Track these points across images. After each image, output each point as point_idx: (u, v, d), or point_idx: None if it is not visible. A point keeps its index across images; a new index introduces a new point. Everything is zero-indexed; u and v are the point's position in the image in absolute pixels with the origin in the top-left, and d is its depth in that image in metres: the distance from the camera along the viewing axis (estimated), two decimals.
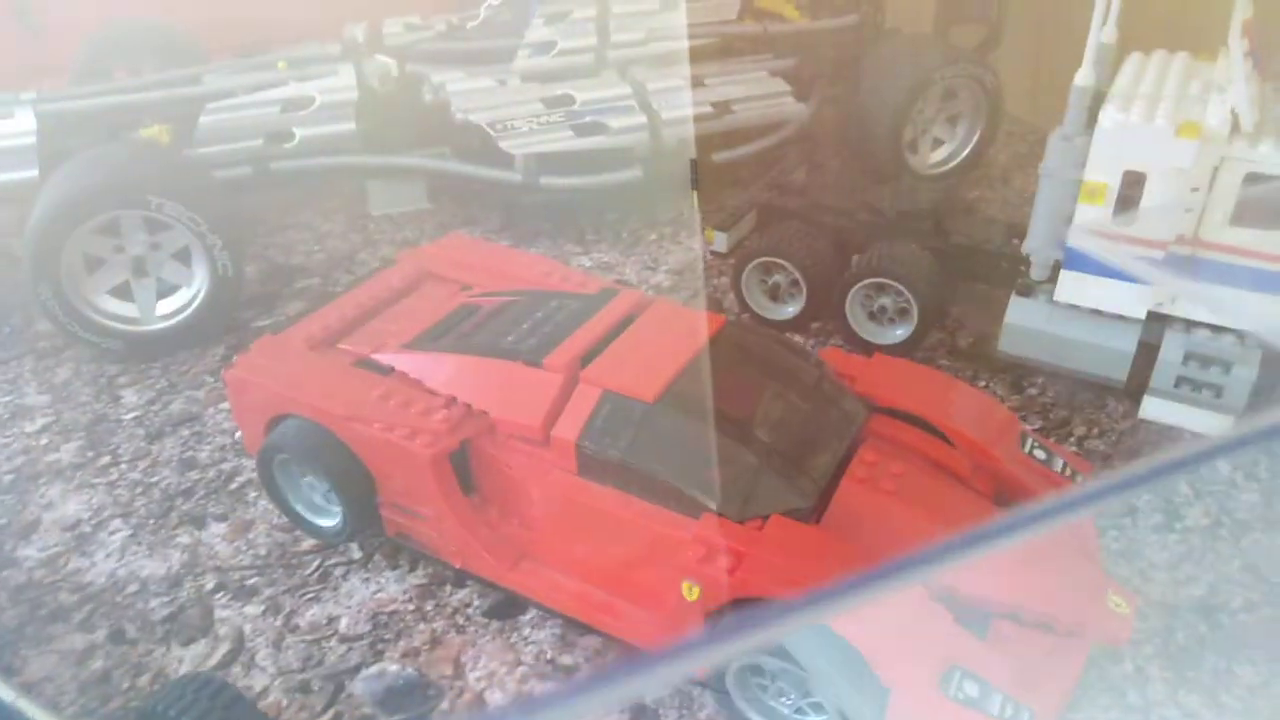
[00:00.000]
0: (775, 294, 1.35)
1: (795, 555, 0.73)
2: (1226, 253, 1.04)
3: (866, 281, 1.26)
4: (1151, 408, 1.16)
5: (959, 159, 1.77)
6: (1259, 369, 1.08)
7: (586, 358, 0.86)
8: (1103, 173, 1.05)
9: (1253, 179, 1.00)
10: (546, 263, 1.11)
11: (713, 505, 0.77)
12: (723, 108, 1.63)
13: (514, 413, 0.84)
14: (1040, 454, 0.92)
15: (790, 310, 1.35)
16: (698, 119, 1.60)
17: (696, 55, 1.69)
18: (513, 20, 1.74)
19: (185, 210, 1.22)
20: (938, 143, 1.77)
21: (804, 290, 1.32)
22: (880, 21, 2.00)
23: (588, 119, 1.54)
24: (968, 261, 1.29)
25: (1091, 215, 1.07)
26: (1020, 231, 1.24)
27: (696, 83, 1.64)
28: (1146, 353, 1.13)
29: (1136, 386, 1.16)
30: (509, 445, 0.85)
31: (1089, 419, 1.18)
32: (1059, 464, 0.92)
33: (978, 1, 1.83)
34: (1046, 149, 1.11)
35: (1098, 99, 1.10)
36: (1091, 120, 1.07)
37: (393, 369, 0.92)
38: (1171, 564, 0.99)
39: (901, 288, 1.25)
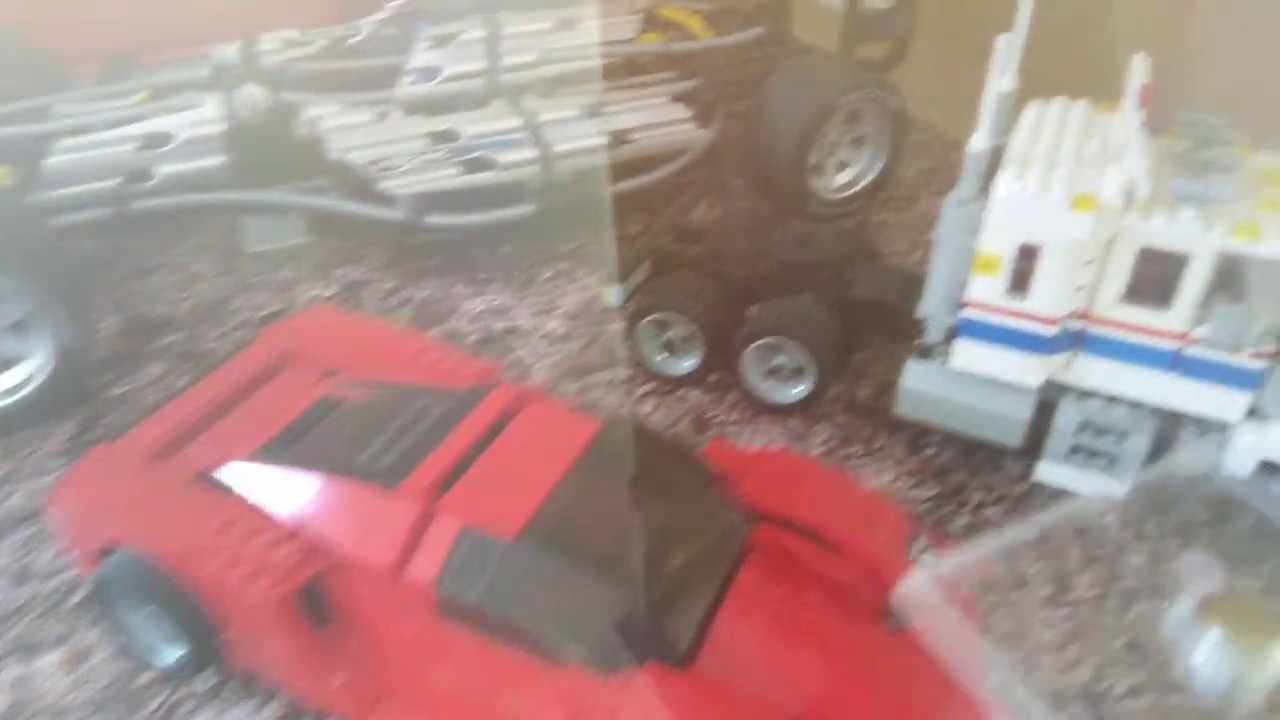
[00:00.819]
0: (672, 347, 1.30)
1: (668, 714, 0.68)
2: (1119, 328, 1.02)
3: (762, 341, 1.21)
4: (1046, 472, 1.14)
5: (864, 182, 1.73)
6: (1151, 438, 1.08)
7: (448, 480, 0.80)
8: (997, 243, 1.02)
9: (1147, 253, 0.98)
10: (419, 340, 1.03)
11: (579, 655, 0.71)
12: (620, 137, 1.56)
13: (366, 548, 0.77)
14: (931, 555, 0.89)
15: (688, 364, 1.30)
16: (594, 150, 1.53)
17: (594, 78, 1.61)
18: (398, 37, 1.64)
19: (22, 282, 1.11)
20: (842, 166, 1.73)
21: (701, 344, 1.27)
22: (787, 31, 1.94)
23: (475, 154, 1.45)
24: (868, 315, 1.25)
25: (985, 286, 1.04)
26: (922, 281, 1.20)
27: (593, 111, 1.56)
28: (1043, 412, 1.11)
29: (1032, 447, 1.14)
30: (362, 581, 0.78)
31: (985, 482, 1.16)
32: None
33: (885, 20, 1.78)
34: (942, 213, 1.08)
35: (995, 155, 1.06)
36: (987, 185, 1.03)
37: (238, 487, 0.84)
38: (1059, 644, 0.97)
39: (798, 346, 1.21)
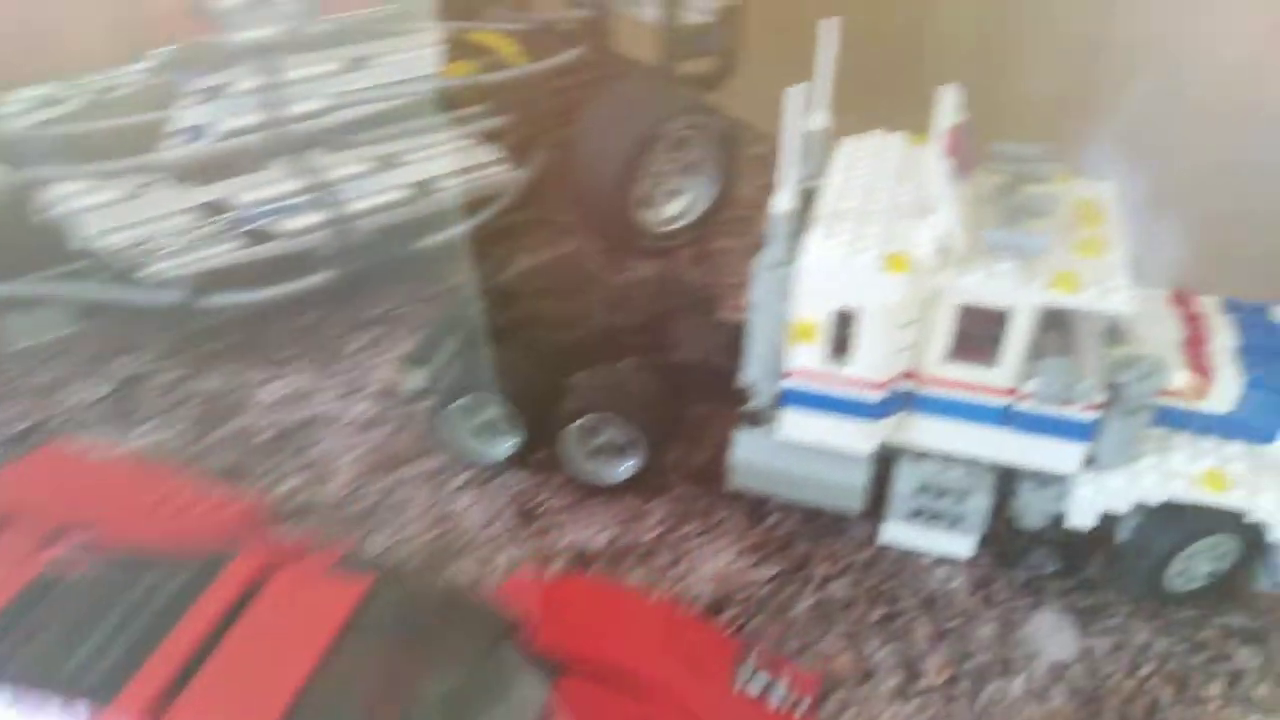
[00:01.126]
0: (490, 428, 1.18)
1: None
2: (948, 387, 0.95)
3: (582, 420, 1.11)
4: (891, 534, 1.08)
5: (699, 211, 1.64)
6: (991, 495, 1.02)
7: (175, 686, 0.66)
8: (811, 310, 0.93)
9: (967, 310, 0.91)
10: (165, 481, 0.89)
11: None
12: (423, 188, 1.42)
13: None
14: (760, 682, 0.80)
15: (507, 447, 1.18)
16: (394, 206, 1.39)
17: (391, 120, 1.46)
18: (166, 89, 1.45)
19: None
20: (674, 195, 1.63)
21: (520, 423, 1.16)
22: (609, 49, 1.83)
23: (255, 224, 1.30)
24: (694, 380, 1.16)
25: (805, 354, 0.96)
26: None
27: (391, 161, 1.41)
28: (884, 470, 1.04)
29: (876, 506, 1.08)
30: None
31: (830, 551, 1.09)
32: (780, 691, 0.81)
33: (705, 37, 1.69)
34: (753, 278, 0.99)
35: (808, 200, 0.99)
36: (797, 244, 0.95)
37: None
38: None
39: (622, 421, 1.10)
